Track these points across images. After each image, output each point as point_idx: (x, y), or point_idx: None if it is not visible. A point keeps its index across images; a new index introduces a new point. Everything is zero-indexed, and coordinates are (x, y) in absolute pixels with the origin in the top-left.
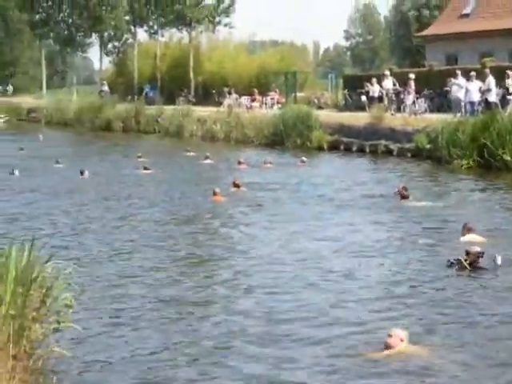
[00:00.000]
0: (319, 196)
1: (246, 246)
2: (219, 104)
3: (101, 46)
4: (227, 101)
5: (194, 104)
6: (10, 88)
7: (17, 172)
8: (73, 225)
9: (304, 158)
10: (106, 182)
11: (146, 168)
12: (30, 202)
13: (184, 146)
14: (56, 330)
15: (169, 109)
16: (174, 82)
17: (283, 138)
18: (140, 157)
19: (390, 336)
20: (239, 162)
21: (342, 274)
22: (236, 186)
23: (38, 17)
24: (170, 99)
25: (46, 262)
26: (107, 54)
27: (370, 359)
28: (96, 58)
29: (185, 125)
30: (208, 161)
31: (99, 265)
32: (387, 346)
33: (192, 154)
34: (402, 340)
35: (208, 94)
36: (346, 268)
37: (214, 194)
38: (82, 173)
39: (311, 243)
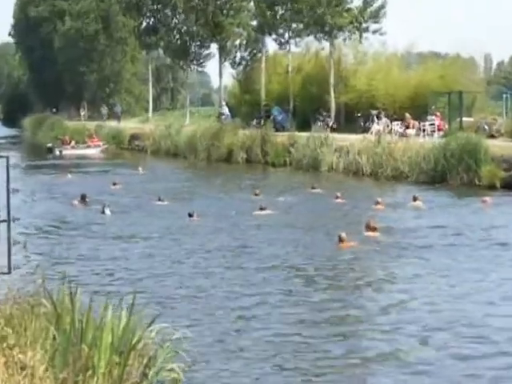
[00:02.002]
0: (479, 243)
1: (376, 303)
2: (365, 130)
3: (221, 59)
4: (376, 127)
5: (334, 130)
6: (119, 109)
7: (108, 211)
8: (180, 279)
9: (487, 198)
10: (217, 226)
11: (262, 208)
12: (125, 248)
13: (319, 182)
14: None
15: (303, 136)
16: (309, 103)
17: (445, 174)
18: (257, 194)
19: None
20: (377, 202)
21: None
22: (370, 229)
23: (145, 23)
24: (305, 124)
25: (149, 324)
26: (233, 67)
27: None
28: (215, 73)
29: (322, 156)
30: (339, 200)
31: (213, 327)
32: None
33: (318, 191)
34: None
35: (352, 118)
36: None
37: (340, 239)
38: (190, 215)
39: (461, 300)
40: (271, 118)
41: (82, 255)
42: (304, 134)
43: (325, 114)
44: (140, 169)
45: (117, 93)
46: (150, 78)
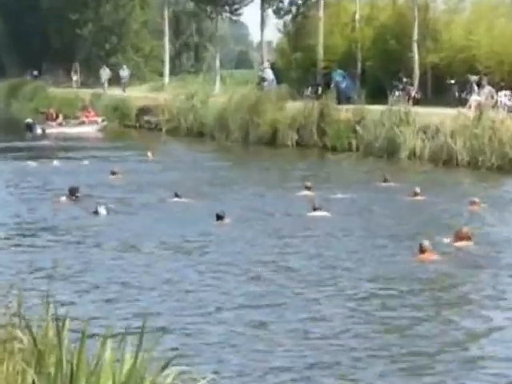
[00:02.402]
0: None
1: (464, 332)
2: (461, 103)
3: (263, 4)
4: (475, 98)
5: (418, 102)
6: (126, 73)
7: (103, 210)
8: (203, 304)
9: None
10: (255, 232)
11: (315, 209)
12: (127, 261)
13: (394, 173)
14: None
15: (375, 110)
16: (384, 66)
17: None
18: (309, 189)
19: None
20: (473, 202)
21: None
22: (462, 237)
23: None
24: (378, 94)
25: (164, 366)
26: (279, 15)
27: None
28: (255, 23)
29: (401, 138)
30: (418, 197)
31: (247, 368)
32: None
33: (391, 184)
34: None
35: (442, 86)
36: None
37: (422, 250)
38: (219, 217)
39: None
40: (332, 85)
41: (70, 271)
42: (376, 108)
43: (405, 80)
44: (149, 153)
45: (120, 50)
46: (167, 30)
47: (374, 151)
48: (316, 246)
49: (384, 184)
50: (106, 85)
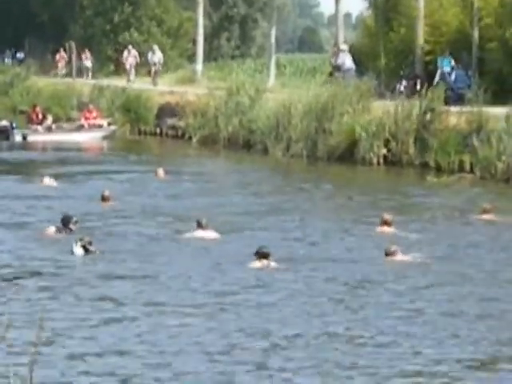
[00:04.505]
0: None
1: None
2: None
3: None
4: None
5: None
6: (157, 57)
7: (79, 249)
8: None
9: None
10: (311, 277)
11: (389, 253)
12: (104, 332)
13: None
14: None
15: (499, 115)
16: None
17: None
18: (388, 223)
19: None
20: None
21: None
22: None
23: None
24: (503, 91)
25: None
26: None
27: None
28: None
29: None
30: None
31: None
32: None
33: (491, 217)
34: None
35: None
36: None
37: None
38: (261, 255)
39: None
40: (437, 77)
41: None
42: (501, 111)
43: None
44: (160, 171)
45: (135, 24)
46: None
47: (496, 174)
48: (398, 304)
49: (484, 216)
50: (132, 74)
